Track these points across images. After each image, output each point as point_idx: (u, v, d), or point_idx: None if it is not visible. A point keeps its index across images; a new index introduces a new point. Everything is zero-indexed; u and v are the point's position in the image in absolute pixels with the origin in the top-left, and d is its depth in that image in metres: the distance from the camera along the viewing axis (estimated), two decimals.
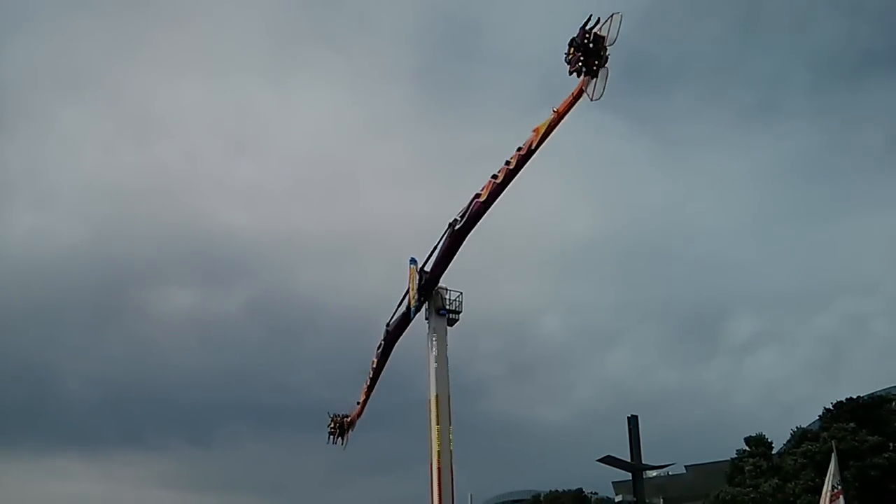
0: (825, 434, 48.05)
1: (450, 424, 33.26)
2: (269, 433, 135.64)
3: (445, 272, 34.27)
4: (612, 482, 72.28)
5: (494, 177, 30.19)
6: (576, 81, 25.45)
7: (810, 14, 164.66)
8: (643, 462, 56.26)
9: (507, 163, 29.60)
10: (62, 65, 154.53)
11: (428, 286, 34.38)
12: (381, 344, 39.39)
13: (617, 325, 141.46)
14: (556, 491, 76.18)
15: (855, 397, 51.02)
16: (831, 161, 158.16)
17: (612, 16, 24.05)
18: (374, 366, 40.47)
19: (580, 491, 74.48)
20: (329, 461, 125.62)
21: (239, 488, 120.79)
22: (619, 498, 71.58)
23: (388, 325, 38.34)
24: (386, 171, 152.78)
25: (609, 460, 56.22)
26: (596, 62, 24.21)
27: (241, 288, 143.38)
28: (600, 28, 24.17)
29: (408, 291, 35.64)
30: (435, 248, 33.84)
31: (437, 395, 33.25)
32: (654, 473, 66.59)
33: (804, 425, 53.61)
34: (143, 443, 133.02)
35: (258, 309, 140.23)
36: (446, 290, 34.70)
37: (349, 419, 44.20)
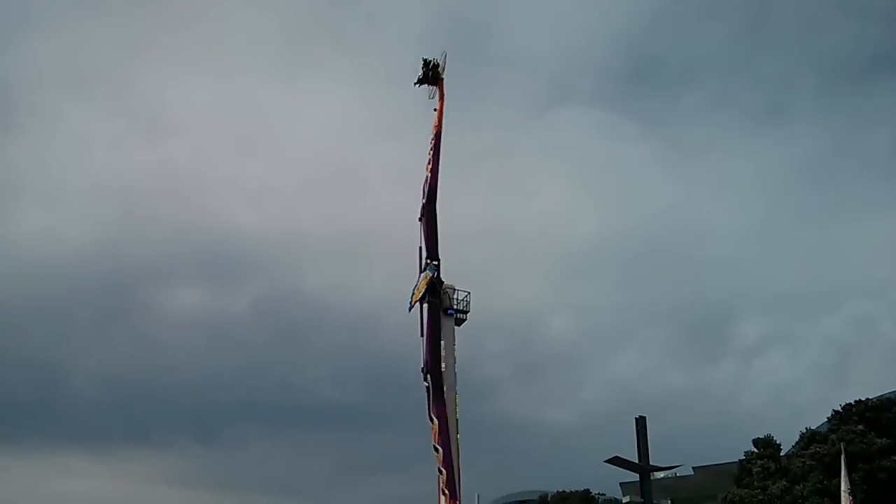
0: (833, 436, 47.98)
1: (457, 424, 33.30)
2: (276, 432, 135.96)
3: (455, 268, 34.25)
4: (620, 483, 72.23)
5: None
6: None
7: (818, 17, 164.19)
8: (651, 463, 56.24)
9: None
10: (71, 64, 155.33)
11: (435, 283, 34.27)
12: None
13: (624, 326, 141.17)
14: (564, 491, 76.08)
15: (863, 400, 50.97)
16: (838, 164, 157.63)
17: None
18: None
19: (587, 492, 74.40)
20: (335, 460, 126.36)
21: (245, 487, 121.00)
22: (626, 499, 71.48)
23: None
24: (393, 171, 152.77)
25: (617, 461, 56.21)
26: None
27: (248, 287, 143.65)
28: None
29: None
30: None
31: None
32: (661, 475, 66.46)
33: (812, 427, 53.52)
34: (149, 441, 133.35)
35: (265, 308, 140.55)
36: (454, 289, 34.67)
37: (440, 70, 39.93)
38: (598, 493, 74.81)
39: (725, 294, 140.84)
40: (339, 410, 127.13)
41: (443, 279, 34.91)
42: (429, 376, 33.26)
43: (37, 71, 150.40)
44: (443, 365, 33.62)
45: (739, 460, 54.73)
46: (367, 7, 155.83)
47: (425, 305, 34.89)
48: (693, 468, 71.29)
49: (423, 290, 34.57)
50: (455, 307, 34.68)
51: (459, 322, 34.91)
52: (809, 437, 51.41)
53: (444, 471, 31.83)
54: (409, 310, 35.45)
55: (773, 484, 49.39)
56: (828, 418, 52.47)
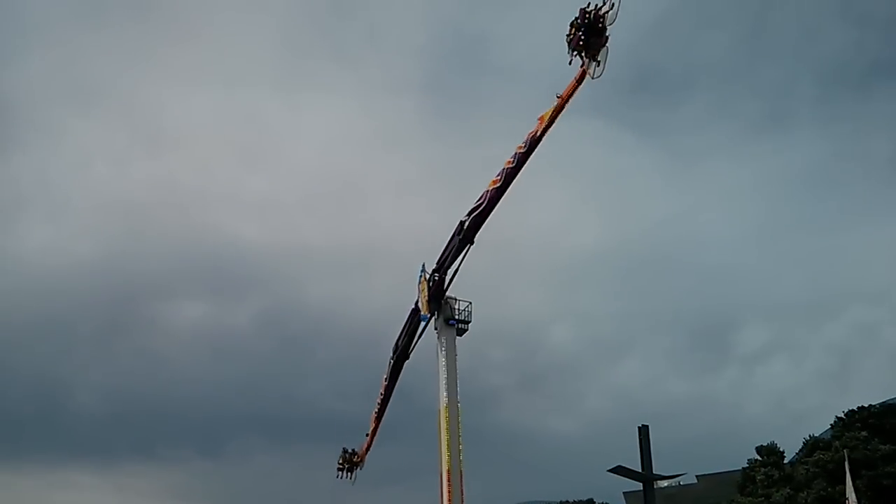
0: (837, 443, 47.94)
1: (460, 434, 33.32)
2: (280, 445, 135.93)
3: (456, 277, 34.32)
4: (623, 492, 72.05)
5: (508, 163, 30.69)
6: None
7: (818, 24, 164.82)
8: (654, 472, 56.11)
9: (517, 149, 30.22)
10: (74, 79, 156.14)
11: (438, 292, 34.52)
12: (388, 369, 39.08)
13: (626, 335, 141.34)
14: (567, 501, 76.09)
15: (866, 406, 50.94)
16: (839, 170, 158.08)
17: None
18: (382, 395, 40.06)
19: (591, 501, 74.40)
20: None
21: (250, 500, 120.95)
22: None
23: (396, 344, 38.25)
24: (395, 182, 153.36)
25: (620, 470, 56.07)
26: (597, 41, 25.53)
27: (251, 300, 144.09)
28: (600, 7, 25.31)
29: (413, 312, 35.97)
30: (446, 251, 33.91)
31: (447, 406, 33.34)
32: (665, 483, 66.26)
33: (816, 434, 53.45)
34: (154, 455, 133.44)
35: (269, 321, 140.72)
36: (455, 299, 34.77)
37: (358, 455, 43.72)
38: (602, 503, 74.78)
39: (727, 302, 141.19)
40: (342, 422, 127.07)
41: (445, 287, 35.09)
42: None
43: (39, 86, 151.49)
44: (444, 374, 33.77)
45: (743, 468, 54.63)
46: (367, 19, 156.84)
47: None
48: (696, 476, 71.10)
49: (426, 296, 34.70)
50: (456, 318, 34.77)
51: (461, 332, 34.98)
52: (813, 444, 51.31)
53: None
54: (426, 324, 35.76)
55: (776, 491, 49.32)
56: (831, 425, 52.39)
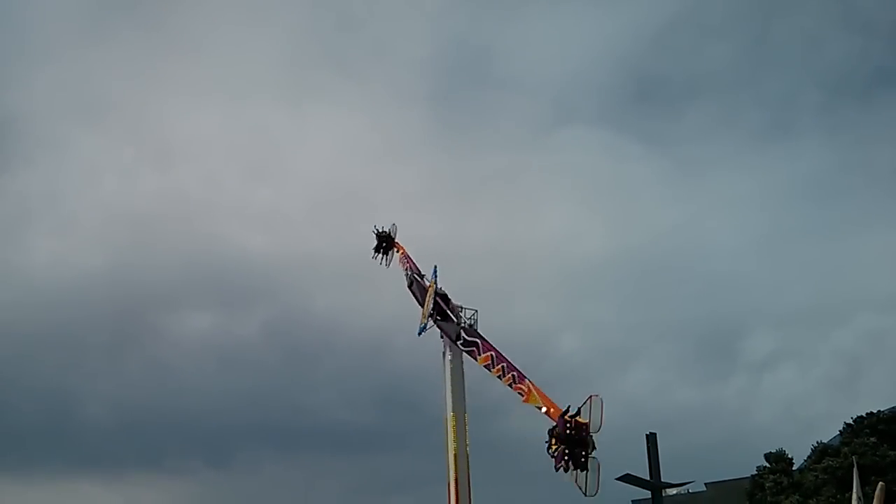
0: (846, 449, 47.81)
1: (467, 444, 33.28)
2: (288, 455, 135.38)
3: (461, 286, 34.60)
4: (632, 500, 71.56)
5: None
6: None
7: (820, 33, 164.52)
8: (662, 480, 55.92)
9: None
10: (81, 93, 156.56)
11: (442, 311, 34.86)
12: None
13: (634, 343, 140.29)
14: None
15: (875, 412, 50.81)
16: (844, 179, 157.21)
17: (589, 398, 23.46)
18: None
19: None
20: (347, 483, 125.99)
21: None
22: None
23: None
24: (401, 194, 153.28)
25: (628, 479, 55.72)
26: (584, 452, 22.72)
27: (258, 311, 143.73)
28: (581, 415, 23.35)
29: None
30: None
31: (453, 415, 33.31)
32: (673, 491, 66.00)
33: (824, 441, 53.29)
34: (162, 466, 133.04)
35: (276, 331, 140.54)
36: (461, 308, 34.79)
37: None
38: None
39: (734, 310, 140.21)
40: (351, 432, 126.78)
41: (449, 297, 35.10)
42: None
43: (46, 101, 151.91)
44: (450, 383, 33.70)
45: (752, 475, 54.47)
46: (372, 33, 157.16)
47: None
48: (705, 484, 70.86)
49: (431, 303, 34.73)
50: (462, 326, 34.74)
51: None
52: (821, 451, 51.18)
53: None
54: (420, 332, 35.69)
55: (785, 499, 49.18)
56: (840, 431, 52.29)
